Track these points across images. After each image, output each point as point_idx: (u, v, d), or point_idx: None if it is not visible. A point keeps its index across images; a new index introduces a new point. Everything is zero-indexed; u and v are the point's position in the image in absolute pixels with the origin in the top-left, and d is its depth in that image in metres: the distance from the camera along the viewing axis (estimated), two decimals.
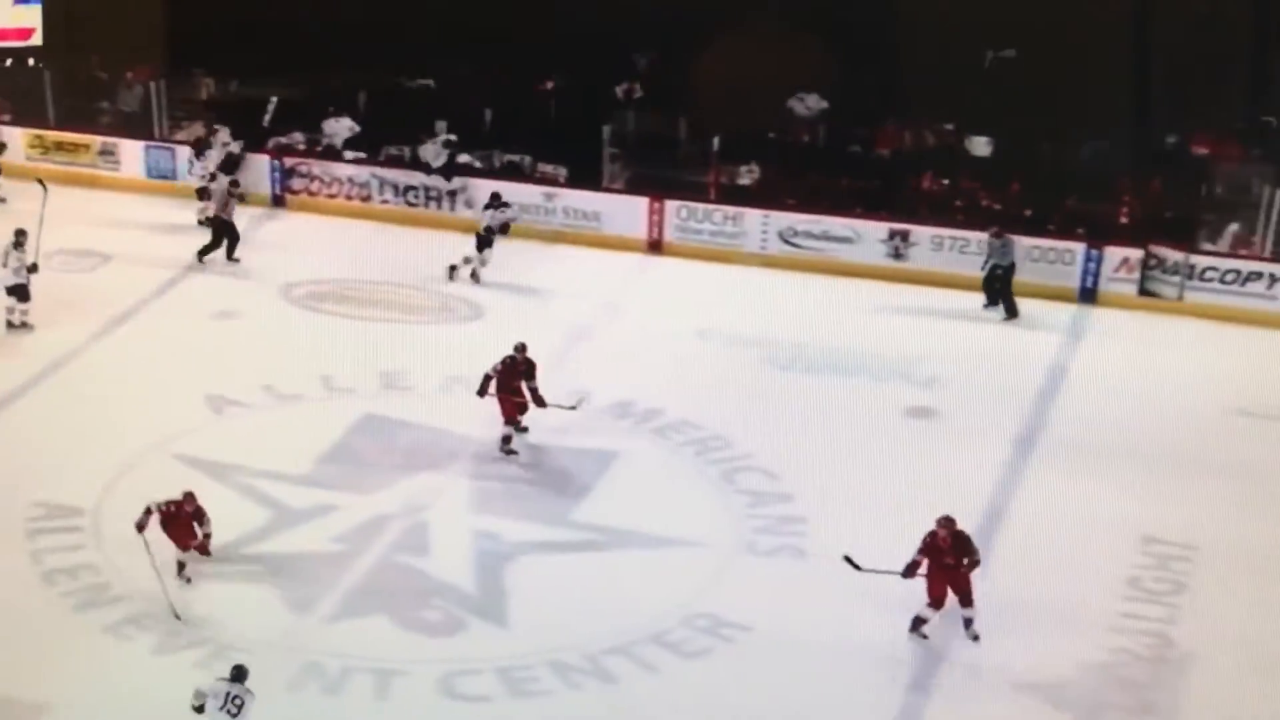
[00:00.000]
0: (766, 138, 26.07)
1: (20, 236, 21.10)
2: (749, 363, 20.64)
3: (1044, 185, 24.15)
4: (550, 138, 26.29)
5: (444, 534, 16.69)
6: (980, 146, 25.43)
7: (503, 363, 18.13)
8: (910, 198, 24.86)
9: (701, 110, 25.18)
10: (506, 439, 18.18)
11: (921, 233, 23.60)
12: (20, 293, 21.09)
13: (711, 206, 24.74)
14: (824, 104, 26.43)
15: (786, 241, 23.66)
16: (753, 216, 24.21)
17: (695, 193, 25.15)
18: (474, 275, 23.17)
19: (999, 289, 22.59)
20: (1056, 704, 13.97)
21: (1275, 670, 14.40)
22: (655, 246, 24.86)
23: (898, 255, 23.69)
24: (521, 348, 18.27)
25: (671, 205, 24.72)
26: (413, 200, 25.73)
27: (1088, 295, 22.70)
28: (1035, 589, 15.23)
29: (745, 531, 16.77)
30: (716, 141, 25.23)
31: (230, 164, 25.66)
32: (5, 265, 21.15)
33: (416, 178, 25.81)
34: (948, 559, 14.64)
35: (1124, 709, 14.05)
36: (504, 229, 23.51)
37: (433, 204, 25.70)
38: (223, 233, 23.78)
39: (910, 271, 23.38)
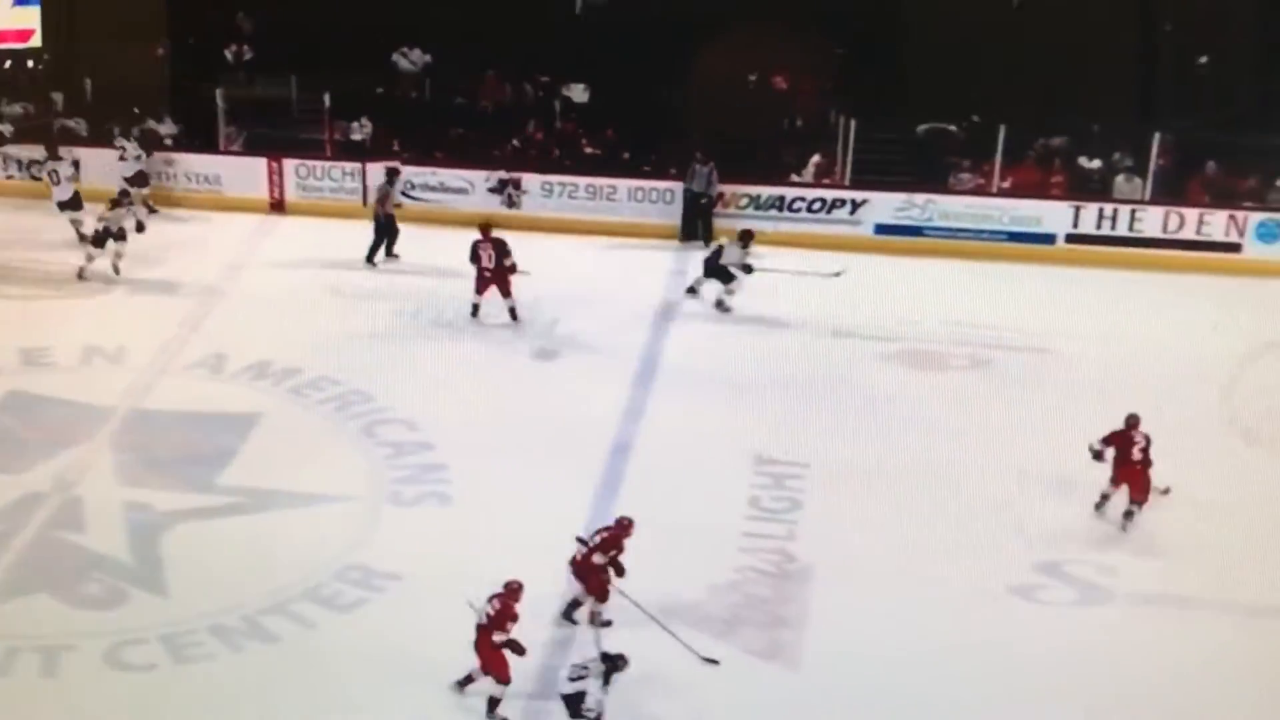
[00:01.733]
0: (375, 93, 26.45)
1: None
2: (382, 316, 21.09)
3: (640, 129, 25.30)
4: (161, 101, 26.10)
5: (97, 508, 16.60)
6: (579, 94, 26.38)
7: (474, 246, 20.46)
8: (516, 147, 25.64)
9: (310, 68, 25.32)
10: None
11: (531, 180, 24.57)
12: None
13: (329, 163, 25.07)
14: (427, 58, 26.89)
15: (405, 194, 24.10)
16: (373, 170, 24.49)
17: (312, 151, 25.44)
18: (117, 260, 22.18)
19: (700, 219, 23.86)
20: (694, 624, 14.70)
21: (885, 580, 15.36)
22: (278, 206, 25.06)
23: (511, 203, 24.59)
24: (484, 226, 20.77)
25: (290, 164, 24.93)
26: (36, 175, 24.93)
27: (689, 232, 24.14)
28: (667, 514, 15.86)
29: (389, 483, 17.18)
30: (327, 99, 25.45)
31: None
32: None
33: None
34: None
35: (756, 624, 14.90)
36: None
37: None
38: None
39: (524, 219, 24.20)
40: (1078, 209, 23.71)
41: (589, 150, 25.42)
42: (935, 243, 23.77)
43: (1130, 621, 14.88)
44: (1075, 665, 14.15)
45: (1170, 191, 23.92)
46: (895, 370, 19.88)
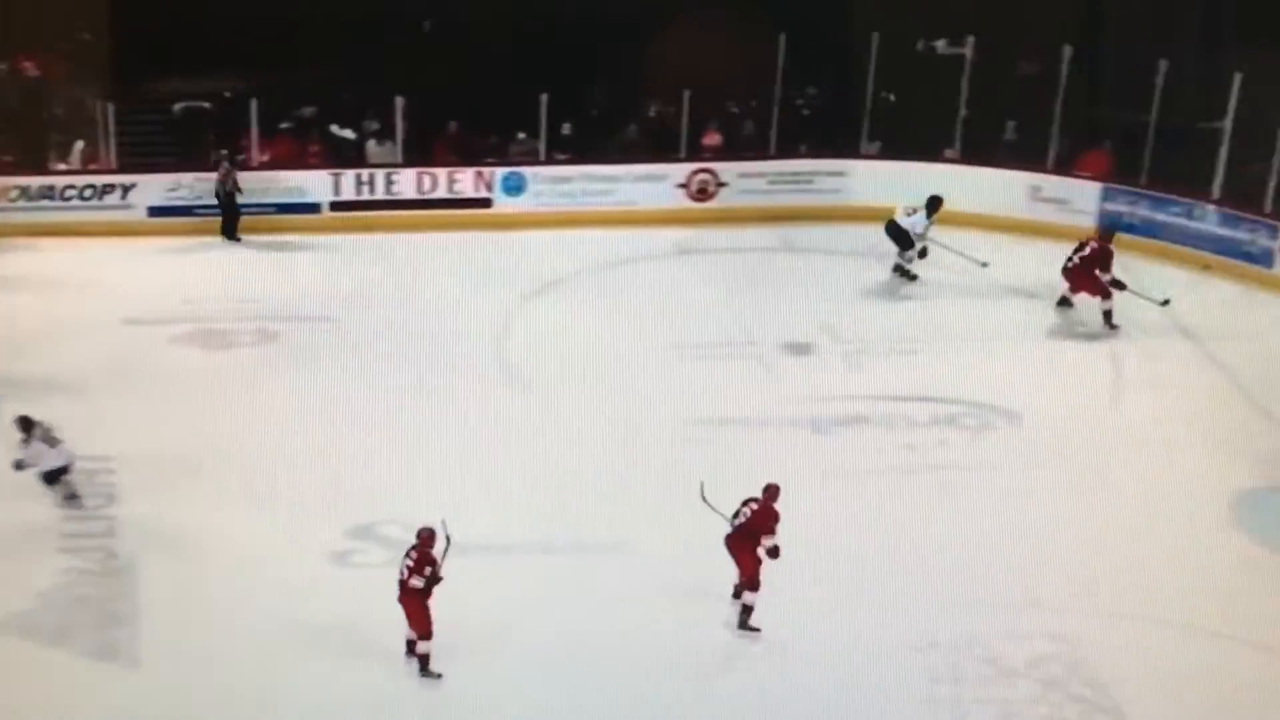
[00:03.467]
0: None
1: None
2: None
3: None
4: None
5: None
6: None
7: None
8: None
9: None
10: None
11: None
12: None
13: None
14: None
15: None
16: None
17: None
18: None
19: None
20: (24, 634, 14.78)
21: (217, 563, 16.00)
22: None
23: None
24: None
25: None
26: None
27: None
28: None
29: None
30: None
31: None
32: None
33: None
34: None
35: (89, 626, 15.06)
36: None
37: None
38: None
39: None
40: (337, 177, 24.88)
41: None
42: (208, 221, 24.24)
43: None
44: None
45: (420, 154, 25.45)
46: (186, 352, 20.42)
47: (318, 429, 18.43)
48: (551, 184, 25.41)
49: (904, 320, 21.93)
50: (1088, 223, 24.40)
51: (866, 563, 15.99)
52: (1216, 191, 23.89)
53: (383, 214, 24.92)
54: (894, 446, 18.67)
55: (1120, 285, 21.45)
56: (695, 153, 25.96)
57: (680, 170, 25.62)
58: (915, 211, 22.87)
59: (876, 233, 23.44)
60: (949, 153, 25.76)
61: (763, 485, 15.08)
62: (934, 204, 22.94)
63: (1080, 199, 24.84)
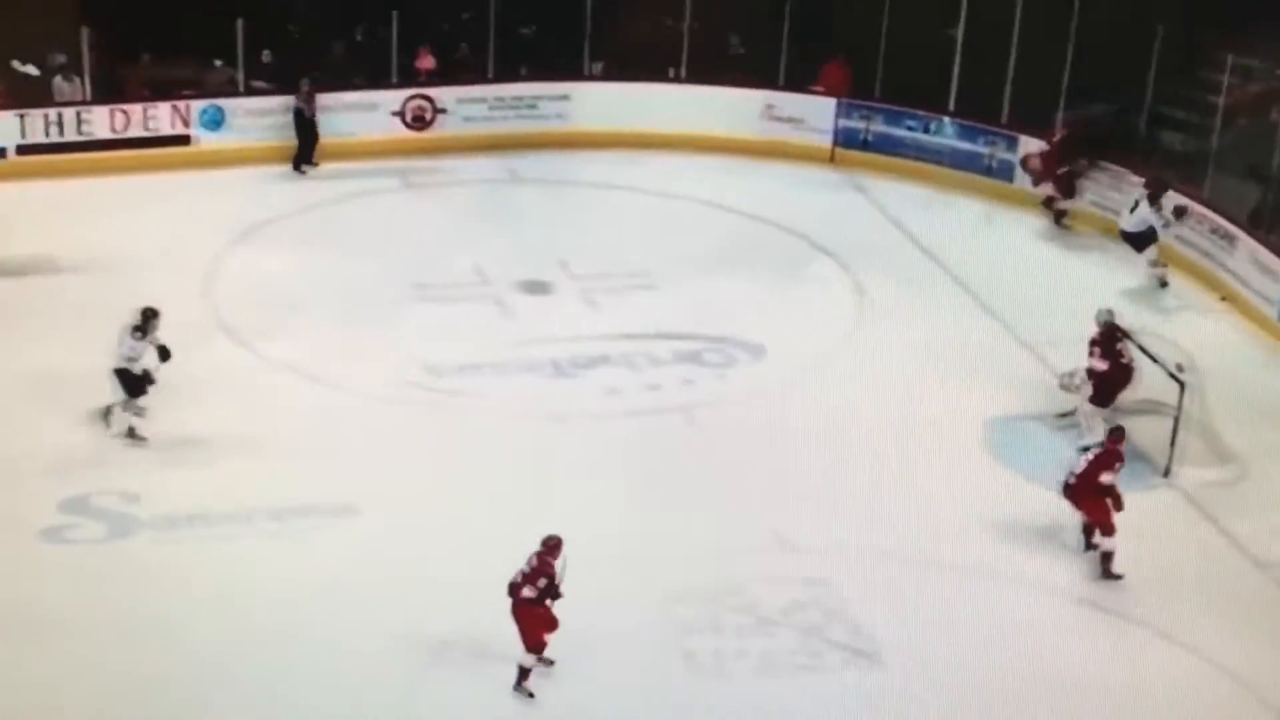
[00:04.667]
0: None
1: None
2: None
3: None
4: None
5: None
6: None
7: None
8: None
9: None
10: None
11: None
12: None
13: None
14: None
15: None
16: None
17: None
18: None
19: None
20: None
21: None
22: None
23: None
24: None
25: None
26: None
27: None
28: None
29: None
30: None
31: None
32: None
33: None
34: None
35: None
36: None
37: None
38: None
39: None
40: (22, 117, 23.41)
41: None
42: None
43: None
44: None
45: (112, 89, 24.12)
46: None
47: (18, 394, 17.48)
48: (254, 117, 24.21)
49: (642, 254, 21.57)
50: (824, 141, 24.47)
51: (614, 510, 15.76)
52: (953, 104, 24.13)
53: (75, 156, 23.47)
54: (639, 387, 18.42)
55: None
56: (409, 78, 25.14)
57: (394, 97, 24.80)
58: (1138, 205, 20.78)
59: (606, 160, 23.15)
60: (675, 71, 25.52)
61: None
62: (1158, 189, 20.75)
63: (815, 116, 24.81)
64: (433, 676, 13.74)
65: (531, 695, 13.53)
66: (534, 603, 13.30)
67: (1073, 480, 15.40)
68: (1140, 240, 20.83)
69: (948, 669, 14.01)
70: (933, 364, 18.76)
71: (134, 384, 16.81)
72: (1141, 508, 15.95)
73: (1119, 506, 15.30)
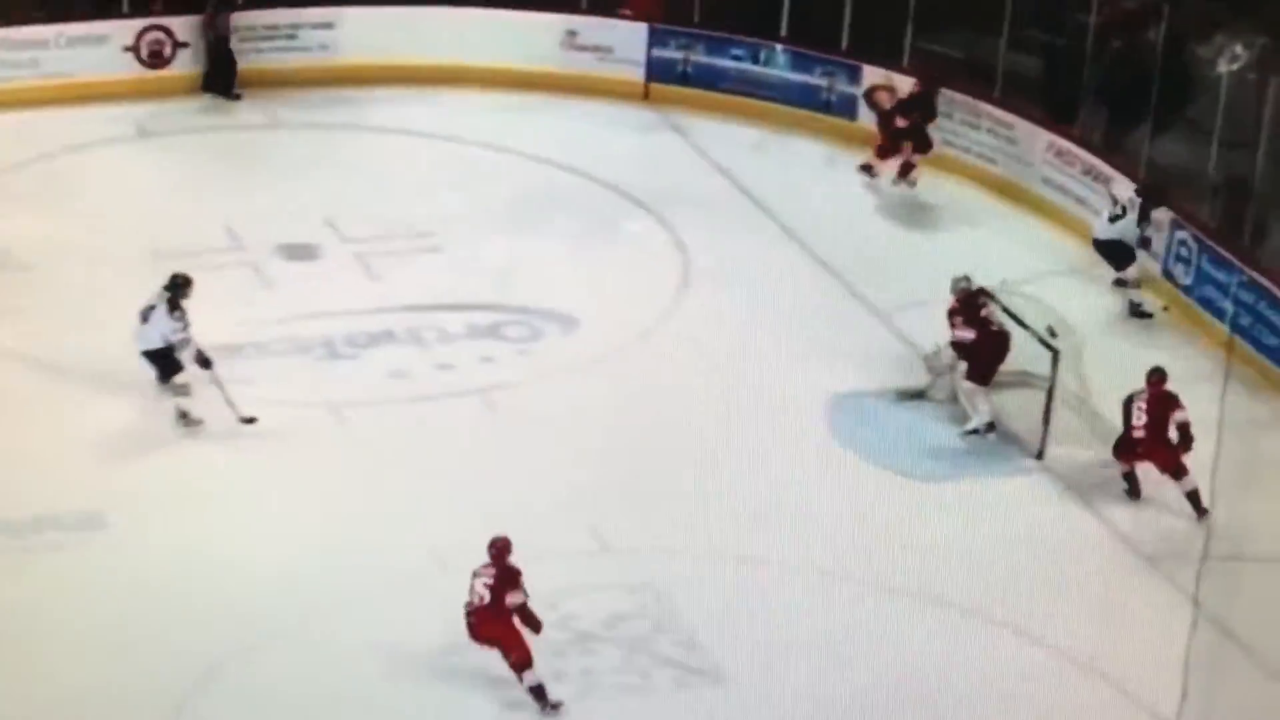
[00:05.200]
0: None
1: None
2: None
3: None
4: None
5: None
6: None
7: None
8: None
9: None
10: None
11: None
12: None
13: None
14: None
15: None
16: None
17: None
18: None
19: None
20: None
21: None
22: None
23: None
24: None
25: None
26: None
27: None
28: None
29: None
30: None
31: None
32: None
33: None
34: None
35: None
36: None
37: None
38: None
39: None
40: None
41: None
42: None
43: None
44: None
45: None
46: None
47: None
48: None
49: (425, 210, 21.65)
50: (636, 74, 24.76)
51: (403, 511, 16.03)
52: (785, 29, 24.53)
53: None
54: (429, 368, 18.61)
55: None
56: (141, 6, 24.90)
57: (125, 29, 24.54)
58: (1121, 215, 20.17)
59: (380, 99, 23.22)
60: None
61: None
62: (1150, 199, 20.18)
63: (625, 45, 25.01)
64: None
65: (557, 706, 14.06)
66: (521, 609, 13.92)
67: (1139, 433, 16.64)
68: (1120, 253, 20.25)
69: (792, 683, 14.35)
70: (766, 333, 19.14)
71: (170, 364, 17.13)
72: (1012, 494, 16.60)
73: (1188, 445, 16.52)
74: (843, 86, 23.91)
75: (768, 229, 21.43)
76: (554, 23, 25.16)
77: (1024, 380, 18.18)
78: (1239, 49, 21.35)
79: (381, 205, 21.81)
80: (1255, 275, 19.38)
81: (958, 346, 17.96)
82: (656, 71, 24.81)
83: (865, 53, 23.92)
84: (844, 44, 24.23)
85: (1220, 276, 19.80)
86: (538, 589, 14.26)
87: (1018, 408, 17.92)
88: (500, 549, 13.95)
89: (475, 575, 13.93)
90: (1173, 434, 16.65)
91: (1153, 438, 16.67)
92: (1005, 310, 18.13)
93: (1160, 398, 16.70)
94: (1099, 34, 22.58)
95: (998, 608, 15.37)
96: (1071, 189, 21.91)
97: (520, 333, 19.38)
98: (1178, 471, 16.65)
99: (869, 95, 23.25)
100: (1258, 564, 16.21)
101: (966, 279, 18.18)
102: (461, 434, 17.51)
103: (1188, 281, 20.29)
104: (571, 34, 25.14)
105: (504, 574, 13.91)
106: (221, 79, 24.44)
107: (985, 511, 16.23)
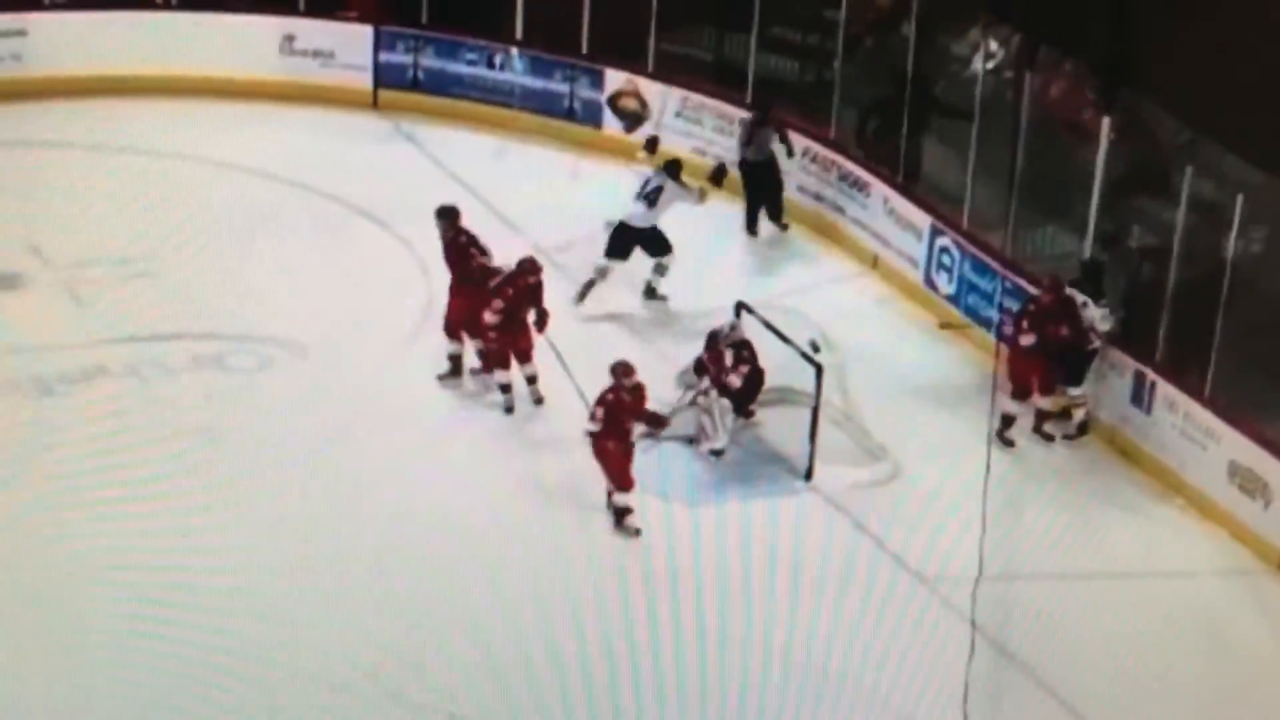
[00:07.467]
0: None
1: None
2: None
3: None
4: None
5: None
6: None
7: None
8: None
9: None
10: None
11: None
12: None
13: None
14: None
15: None
16: None
17: None
18: None
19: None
20: None
21: None
22: None
23: None
24: None
25: None
26: None
27: None
28: None
29: None
30: None
31: None
32: None
33: None
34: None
35: None
36: None
37: None
38: None
39: None
40: None
41: None
42: None
43: None
44: None
45: None
46: None
47: None
48: None
49: (137, 232, 21.32)
50: (363, 80, 24.66)
51: (115, 579, 15.87)
52: (519, 31, 24.58)
53: None
54: (148, 404, 18.38)
55: None
56: None
57: None
58: (653, 195, 20.54)
59: (81, 112, 23.00)
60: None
61: None
62: (672, 168, 20.77)
63: (349, 49, 24.87)
64: None
65: (638, 532, 16.63)
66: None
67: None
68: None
69: None
70: None
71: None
72: (780, 519, 16.85)
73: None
74: (585, 91, 24.07)
75: (513, 243, 21.34)
76: (269, 25, 24.92)
77: (787, 397, 18.42)
78: (994, 46, 21.92)
79: (89, 228, 21.42)
80: (1018, 280, 19.81)
81: (724, 391, 18.08)
82: (385, 77, 24.74)
83: (607, 55, 24.07)
84: (584, 46, 24.33)
85: (983, 284, 20.24)
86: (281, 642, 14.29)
87: (783, 427, 18.14)
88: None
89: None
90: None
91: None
92: (765, 324, 18.23)
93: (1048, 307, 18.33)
94: (850, 33, 22.85)
95: (777, 633, 15.66)
96: (826, 194, 22.28)
97: (248, 362, 19.21)
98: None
99: (614, 101, 23.35)
100: (1030, 581, 16.57)
101: (735, 325, 18.38)
102: (188, 475, 17.26)
103: (951, 290, 20.71)
104: (290, 38, 24.92)
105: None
106: None
107: (752, 535, 16.42)
